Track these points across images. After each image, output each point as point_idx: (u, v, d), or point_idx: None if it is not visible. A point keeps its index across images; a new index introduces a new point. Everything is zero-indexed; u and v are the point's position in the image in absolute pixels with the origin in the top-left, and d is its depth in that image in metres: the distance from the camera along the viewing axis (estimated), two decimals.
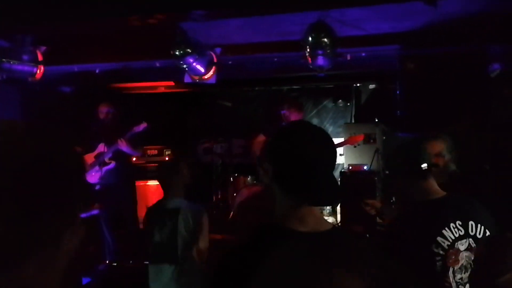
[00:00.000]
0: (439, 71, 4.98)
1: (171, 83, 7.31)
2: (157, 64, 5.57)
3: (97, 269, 5.53)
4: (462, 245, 2.06)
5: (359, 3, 4.17)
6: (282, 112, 6.00)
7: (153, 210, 3.56)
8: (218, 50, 4.99)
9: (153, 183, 6.79)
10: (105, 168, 5.75)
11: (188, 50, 4.50)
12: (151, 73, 6.16)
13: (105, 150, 5.75)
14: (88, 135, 5.90)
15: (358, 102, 8.00)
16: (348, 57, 4.91)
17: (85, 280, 5.01)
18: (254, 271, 1.28)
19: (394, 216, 2.92)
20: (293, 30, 4.66)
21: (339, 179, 6.29)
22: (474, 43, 4.71)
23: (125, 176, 6.11)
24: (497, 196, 4.04)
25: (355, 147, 6.18)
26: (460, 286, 2.04)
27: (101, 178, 5.71)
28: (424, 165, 2.20)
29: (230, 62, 5.48)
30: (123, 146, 5.69)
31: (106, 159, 5.78)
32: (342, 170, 6.35)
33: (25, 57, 4.78)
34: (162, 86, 7.58)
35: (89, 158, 5.79)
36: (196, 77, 5.00)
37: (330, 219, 7.16)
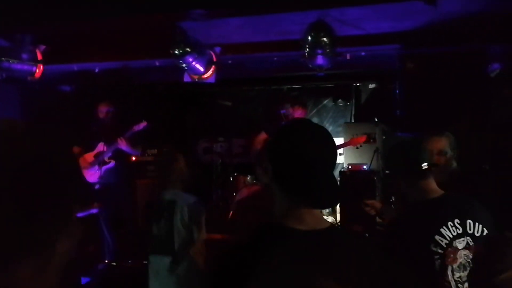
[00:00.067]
0: (439, 71, 4.98)
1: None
2: (157, 63, 5.56)
3: (96, 268, 5.52)
4: (460, 244, 2.06)
5: (359, 3, 4.17)
6: (282, 111, 5.99)
7: (151, 203, 3.58)
8: (217, 49, 4.98)
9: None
10: (104, 167, 5.74)
11: (188, 49, 4.50)
12: (151, 72, 6.15)
13: (105, 149, 5.75)
14: (87, 134, 5.89)
15: (358, 102, 7.99)
16: (348, 57, 4.91)
17: (84, 280, 5.00)
18: (252, 270, 1.28)
19: (393, 215, 2.93)
20: (293, 29, 4.66)
21: (339, 178, 6.27)
22: (474, 43, 4.71)
23: (125, 175, 6.10)
24: (497, 196, 4.04)
25: (357, 148, 6.16)
26: (459, 284, 2.04)
27: (101, 177, 5.70)
28: (425, 165, 2.19)
29: (229, 62, 5.48)
30: (123, 145, 5.69)
31: (106, 158, 5.77)
32: (342, 170, 6.34)
33: (24, 56, 4.78)
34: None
35: (89, 157, 5.78)
36: (196, 76, 5.00)
37: (330, 219, 7.15)
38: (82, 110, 6.34)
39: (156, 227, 3.39)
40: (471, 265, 2.05)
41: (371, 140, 6.26)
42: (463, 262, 2.06)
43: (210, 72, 4.96)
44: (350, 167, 6.26)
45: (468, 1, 4.09)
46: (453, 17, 4.38)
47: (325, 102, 8.15)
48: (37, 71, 4.94)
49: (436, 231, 2.06)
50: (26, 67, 4.83)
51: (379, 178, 6.06)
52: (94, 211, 5.18)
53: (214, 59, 4.95)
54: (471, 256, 2.05)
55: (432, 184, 2.23)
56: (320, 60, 4.44)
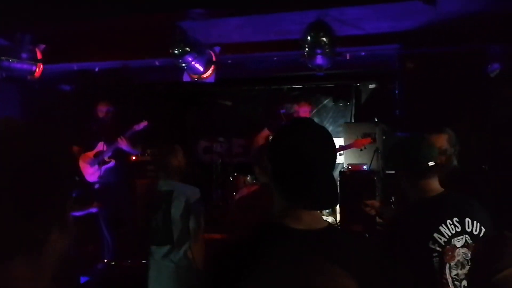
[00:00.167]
0: (439, 71, 4.98)
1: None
2: (157, 63, 5.56)
3: (95, 268, 5.52)
4: (458, 242, 2.07)
5: (359, 2, 4.17)
6: (282, 111, 5.99)
7: (148, 193, 3.59)
8: (217, 49, 4.98)
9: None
10: (104, 167, 5.74)
11: (187, 48, 4.50)
12: (151, 72, 6.15)
13: (105, 149, 5.74)
14: (87, 133, 5.89)
15: (358, 102, 8.01)
16: (348, 57, 4.90)
17: (83, 279, 5.00)
18: (248, 269, 1.29)
19: (393, 215, 2.93)
20: (292, 29, 4.66)
21: (339, 178, 6.28)
22: (474, 43, 4.70)
23: (125, 175, 6.10)
24: (496, 196, 4.04)
25: (361, 150, 6.14)
26: (455, 282, 2.05)
27: (101, 176, 5.70)
28: (431, 163, 2.19)
29: (229, 61, 5.47)
30: (123, 144, 5.69)
31: (106, 158, 5.77)
32: (342, 170, 6.34)
33: (24, 55, 4.78)
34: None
35: (89, 156, 5.78)
36: (195, 76, 5.00)
37: (330, 219, 7.15)
38: (82, 110, 6.35)
39: (154, 218, 3.41)
40: (469, 263, 2.05)
41: (371, 140, 6.26)
42: (461, 260, 2.06)
43: (209, 72, 4.95)
44: (350, 167, 6.25)
45: (467, 1, 4.09)
46: (453, 17, 4.38)
47: (325, 102, 8.16)
48: (37, 70, 4.94)
49: (435, 229, 2.07)
50: (25, 66, 4.83)
51: (379, 178, 6.06)
52: (93, 210, 5.18)
53: (214, 59, 4.95)
54: (469, 254, 2.06)
55: (434, 183, 2.23)
56: (319, 60, 4.43)
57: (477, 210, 2.18)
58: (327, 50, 4.28)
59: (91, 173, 5.71)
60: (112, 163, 5.80)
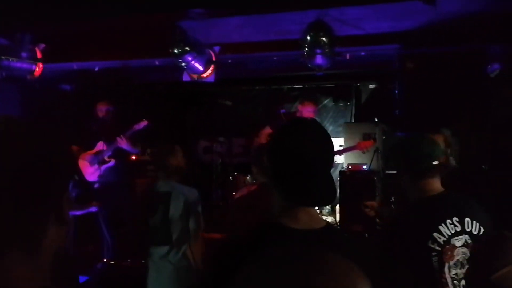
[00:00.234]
0: (439, 71, 4.98)
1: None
2: (157, 63, 5.57)
3: (95, 267, 5.51)
4: (458, 241, 2.07)
5: (359, 2, 4.17)
6: (282, 111, 5.99)
7: (147, 194, 3.59)
8: (216, 48, 4.98)
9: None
10: (104, 166, 5.74)
11: (187, 48, 4.50)
12: (151, 71, 6.15)
13: (105, 148, 5.74)
14: (87, 133, 5.89)
15: (358, 102, 8.00)
16: (348, 56, 4.90)
17: (83, 279, 5.00)
18: (245, 268, 1.28)
19: (393, 215, 2.93)
20: (292, 29, 4.66)
21: (339, 178, 6.28)
22: (473, 43, 4.70)
23: (124, 174, 6.10)
24: (496, 196, 4.04)
25: (363, 153, 6.13)
26: (455, 281, 2.05)
27: (100, 176, 5.70)
28: (435, 162, 2.20)
29: (229, 61, 5.47)
30: (123, 143, 5.68)
31: (106, 157, 5.77)
32: (342, 170, 6.34)
33: (23, 54, 4.79)
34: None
35: (88, 156, 5.78)
36: (195, 76, 5.00)
37: (329, 219, 7.15)
38: (82, 109, 6.35)
39: (152, 218, 3.41)
40: (468, 263, 2.06)
41: (374, 143, 6.25)
42: (460, 260, 2.07)
43: (209, 71, 4.95)
44: (350, 167, 6.25)
45: (467, 1, 4.09)
46: (453, 17, 4.38)
47: (325, 102, 8.16)
48: (37, 69, 4.94)
49: (434, 229, 2.07)
50: (25, 65, 4.84)
51: (379, 178, 6.06)
52: (93, 210, 5.17)
53: (213, 58, 4.95)
54: (469, 254, 2.06)
55: (435, 183, 2.24)
56: (319, 59, 4.43)
57: (477, 210, 2.18)
58: (327, 50, 4.29)
59: (90, 172, 5.71)
60: (112, 162, 5.79)
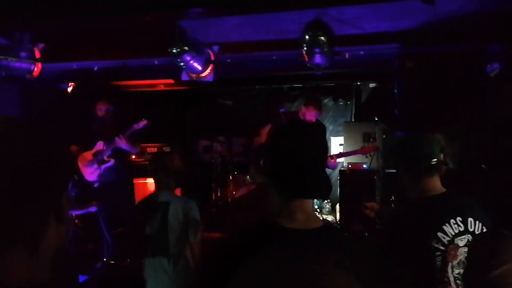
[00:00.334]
0: (438, 70, 4.97)
1: (171, 81, 7.31)
2: (156, 62, 5.56)
3: (95, 267, 5.53)
4: (461, 241, 2.09)
5: (358, 1, 4.17)
6: (282, 110, 5.98)
7: (143, 204, 3.57)
8: (215, 48, 4.98)
9: (152, 181, 6.79)
10: (104, 166, 5.74)
11: (186, 48, 4.50)
12: (150, 71, 6.15)
13: (104, 148, 5.75)
14: (87, 132, 5.89)
15: (358, 101, 8.01)
16: (347, 56, 4.90)
17: (82, 278, 5.01)
18: (239, 267, 1.29)
19: (393, 214, 2.93)
20: (291, 28, 4.66)
21: (339, 177, 6.28)
22: (473, 43, 4.69)
23: (124, 174, 6.10)
24: (495, 195, 4.03)
25: (366, 157, 6.13)
26: (457, 281, 2.06)
27: (100, 176, 5.70)
28: (434, 161, 2.21)
29: (229, 61, 5.47)
30: (121, 143, 5.68)
31: (105, 157, 5.77)
32: (342, 169, 6.34)
33: (22, 54, 4.78)
34: (162, 84, 7.58)
35: (88, 155, 5.78)
36: (194, 75, 5.00)
37: (330, 218, 7.16)
38: (81, 109, 6.35)
39: (150, 228, 3.38)
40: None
41: (371, 140, 6.26)
42: (462, 259, 2.08)
43: (208, 71, 4.95)
44: (350, 166, 6.26)
45: (466, 1, 4.09)
46: (452, 16, 4.37)
47: (325, 101, 8.16)
48: (35, 69, 4.94)
49: (438, 228, 2.08)
50: (24, 65, 4.83)
51: (379, 177, 6.07)
52: (92, 209, 5.18)
53: (212, 58, 4.95)
54: None
55: (435, 182, 2.25)
56: (318, 59, 4.43)
57: (478, 210, 2.20)
58: (326, 49, 4.28)
59: (90, 172, 5.71)
60: (112, 162, 5.80)
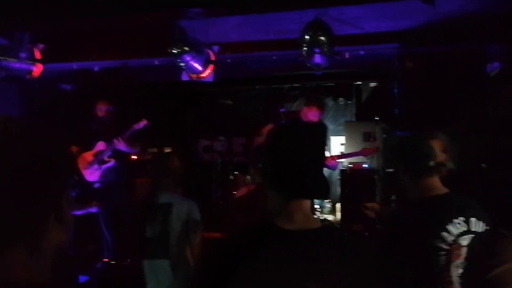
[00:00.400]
0: (438, 70, 4.97)
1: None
2: (156, 62, 5.57)
3: (95, 267, 5.53)
4: (464, 241, 2.09)
5: (358, 1, 4.18)
6: (282, 110, 5.97)
7: (145, 205, 3.57)
8: (215, 48, 4.98)
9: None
10: (104, 166, 5.73)
11: (186, 48, 4.51)
12: (150, 71, 6.15)
13: (104, 148, 5.74)
14: (87, 133, 5.89)
15: (358, 100, 7.99)
16: (347, 55, 4.90)
17: (83, 278, 5.01)
18: (235, 267, 1.29)
19: (393, 214, 2.93)
20: (292, 28, 4.66)
21: (339, 177, 6.28)
22: (473, 42, 4.69)
23: (124, 174, 6.09)
24: (495, 195, 4.03)
25: (368, 159, 6.12)
26: (460, 280, 2.07)
27: (101, 176, 5.70)
28: (432, 163, 2.21)
29: (229, 61, 5.47)
30: (120, 145, 5.67)
31: (105, 157, 5.76)
32: (342, 168, 6.34)
33: (22, 55, 4.78)
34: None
35: (88, 156, 5.77)
36: (194, 75, 5.00)
37: (330, 217, 7.16)
38: (82, 109, 6.35)
39: (150, 229, 3.38)
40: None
41: (372, 139, 6.25)
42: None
43: (208, 71, 4.95)
44: (350, 165, 6.25)
45: (466, 1, 4.09)
46: (452, 16, 4.38)
47: (325, 100, 8.15)
48: (35, 70, 4.94)
49: (442, 228, 2.09)
50: (24, 66, 4.83)
51: (379, 176, 6.06)
52: (93, 210, 5.18)
53: (212, 58, 4.95)
54: None
55: (435, 182, 2.26)
56: (317, 59, 4.43)
57: (480, 210, 2.20)
58: (326, 49, 4.29)
59: (90, 172, 5.70)
60: (112, 162, 5.79)
